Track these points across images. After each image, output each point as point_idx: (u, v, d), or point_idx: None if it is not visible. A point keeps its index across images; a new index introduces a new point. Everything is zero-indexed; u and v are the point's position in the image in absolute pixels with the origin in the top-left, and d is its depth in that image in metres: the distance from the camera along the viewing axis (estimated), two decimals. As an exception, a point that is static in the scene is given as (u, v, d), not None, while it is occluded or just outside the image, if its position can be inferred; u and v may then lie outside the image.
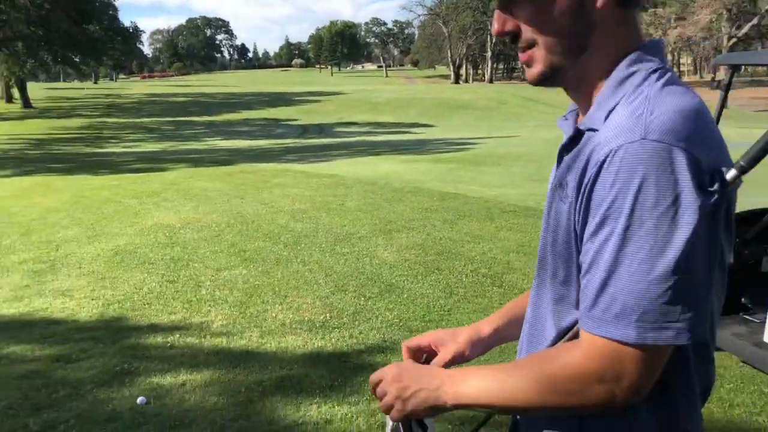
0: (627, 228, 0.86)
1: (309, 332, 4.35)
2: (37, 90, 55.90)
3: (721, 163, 0.89)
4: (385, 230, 7.51)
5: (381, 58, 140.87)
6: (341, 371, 3.70)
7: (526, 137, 25.59)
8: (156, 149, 27.59)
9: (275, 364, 3.83)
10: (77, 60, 49.49)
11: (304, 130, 40.00)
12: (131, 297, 5.17)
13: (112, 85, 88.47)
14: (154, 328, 4.45)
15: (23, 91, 47.46)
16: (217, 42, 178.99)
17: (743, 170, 0.97)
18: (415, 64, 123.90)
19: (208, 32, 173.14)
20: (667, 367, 0.92)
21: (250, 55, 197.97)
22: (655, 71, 0.95)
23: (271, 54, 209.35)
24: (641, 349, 0.87)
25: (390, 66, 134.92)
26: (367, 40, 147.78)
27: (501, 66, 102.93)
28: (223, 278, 5.69)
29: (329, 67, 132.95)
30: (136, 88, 77.91)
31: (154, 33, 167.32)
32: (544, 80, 1.05)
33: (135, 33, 55.82)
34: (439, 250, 6.56)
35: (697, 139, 0.87)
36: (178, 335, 4.32)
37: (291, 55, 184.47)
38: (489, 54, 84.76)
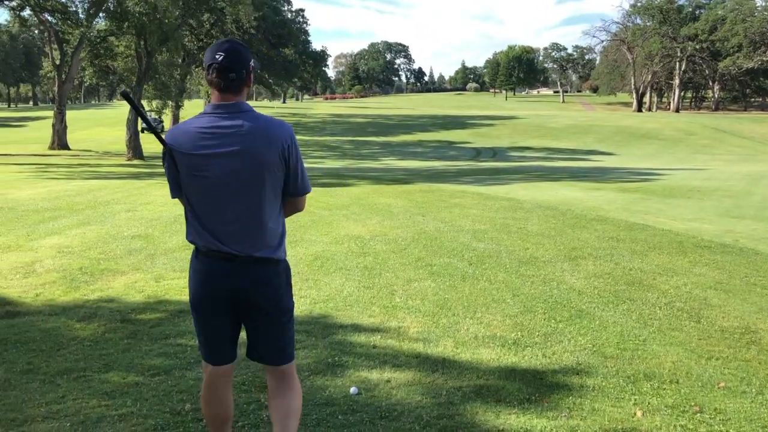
0: None
1: (502, 347, 4.49)
2: (235, 107, 61.39)
3: (172, 142, 2.52)
4: (570, 256, 7.46)
5: (558, 83, 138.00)
6: (538, 387, 3.80)
7: (718, 171, 23.83)
8: (337, 166, 29.25)
9: (472, 373, 4.01)
10: (271, 81, 53.74)
11: (477, 153, 40.28)
12: (334, 298, 5.64)
13: (298, 105, 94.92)
14: (356, 328, 4.84)
15: (223, 108, 52.46)
16: (396, 66, 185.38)
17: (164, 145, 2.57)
18: (595, 90, 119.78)
19: (388, 56, 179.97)
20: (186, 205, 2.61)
21: (426, 78, 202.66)
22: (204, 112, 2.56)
23: (446, 78, 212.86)
24: None
25: (567, 92, 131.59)
26: (545, 65, 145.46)
27: (689, 95, 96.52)
28: (414, 288, 6.01)
29: (504, 91, 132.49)
30: (319, 108, 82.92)
31: (338, 56, 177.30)
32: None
33: (324, 56, 59.58)
34: (629, 280, 6.41)
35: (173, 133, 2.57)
36: (378, 336, 4.66)
37: (466, 79, 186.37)
38: (676, 82, 79.96)
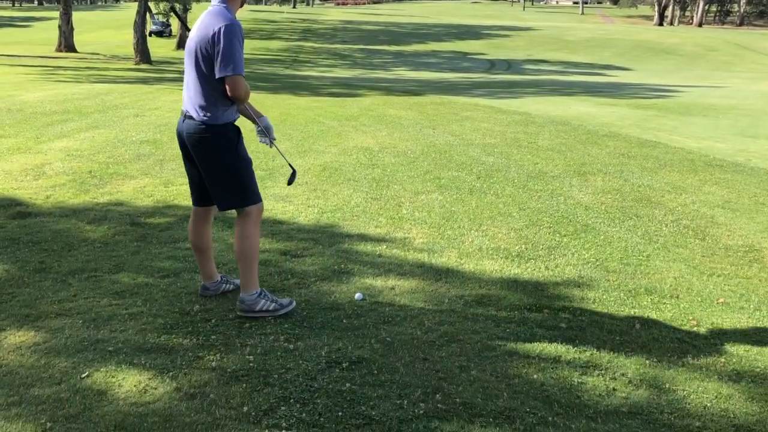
0: None
1: (505, 259, 4.54)
2: (243, 12, 59.74)
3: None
4: (580, 172, 7.42)
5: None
6: (538, 298, 3.87)
7: (737, 88, 23.27)
8: (348, 75, 28.71)
9: (474, 283, 4.08)
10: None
11: (492, 65, 39.39)
12: (341, 208, 5.67)
13: (308, 11, 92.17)
14: (363, 237, 4.89)
15: (233, 12, 51.13)
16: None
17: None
18: (615, 2, 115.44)
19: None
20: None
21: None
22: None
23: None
24: None
25: (587, 3, 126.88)
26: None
27: (713, 9, 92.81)
28: (421, 201, 6.02)
29: (522, 0, 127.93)
30: (331, 14, 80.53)
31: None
32: None
33: (335, -40, 57.18)
34: (637, 197, 6.40)
35: None
36: (384, 246, 4.71)
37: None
38: (702, -7, 76.74)
